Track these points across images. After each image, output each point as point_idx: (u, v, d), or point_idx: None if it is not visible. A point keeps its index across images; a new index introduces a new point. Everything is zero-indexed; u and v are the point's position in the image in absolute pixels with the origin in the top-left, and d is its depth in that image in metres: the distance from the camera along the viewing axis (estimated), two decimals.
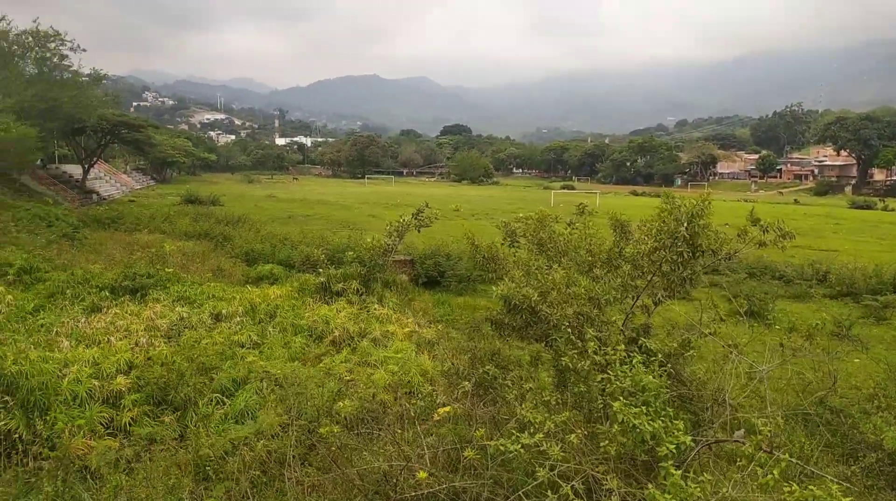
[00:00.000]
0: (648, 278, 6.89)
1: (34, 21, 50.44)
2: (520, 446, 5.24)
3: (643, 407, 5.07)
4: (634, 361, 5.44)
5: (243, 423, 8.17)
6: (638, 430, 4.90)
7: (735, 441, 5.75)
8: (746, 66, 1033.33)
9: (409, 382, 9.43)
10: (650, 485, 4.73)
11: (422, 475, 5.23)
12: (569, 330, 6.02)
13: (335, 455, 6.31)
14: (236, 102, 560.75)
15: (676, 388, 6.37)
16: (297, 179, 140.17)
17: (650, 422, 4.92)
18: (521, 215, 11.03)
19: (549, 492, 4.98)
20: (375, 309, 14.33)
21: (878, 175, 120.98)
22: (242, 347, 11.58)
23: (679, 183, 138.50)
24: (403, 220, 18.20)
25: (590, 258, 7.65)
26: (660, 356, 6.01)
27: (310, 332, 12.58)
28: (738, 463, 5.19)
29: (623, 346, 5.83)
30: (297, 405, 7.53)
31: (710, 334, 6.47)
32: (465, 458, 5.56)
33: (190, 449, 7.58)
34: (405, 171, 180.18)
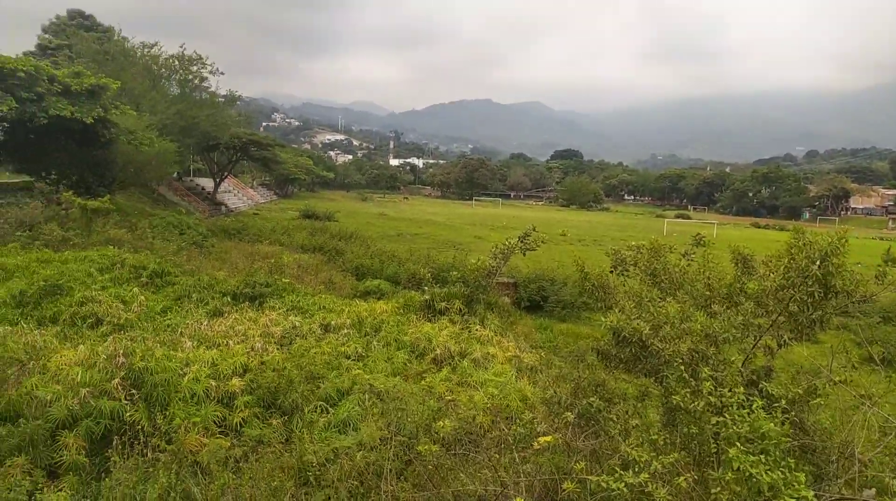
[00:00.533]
0: (773, 317, 6.40)
1: (181, 47, 55.52)
2: (623, 484, 5.01)
3: (761, 456, 4.70)
4: (755, 406, 5.07)
5: (345, 433, 8.37)
6: (755, 479, 4.55)
7: (864, 500, 5.20)
8: (885, 94, 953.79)
9: (508, 406, 9.32)
10: None
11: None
12: (682, 367, 5.70)
13: (431, 473, 6.30)
14: (356, 123, 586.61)
15: (798, 437, 5.86)
16: (407, 198, 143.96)
17: (768, 472, 4.55)
18: (632, 243, 10.66)
19: None
20: (477, 330, 14.33)
21: None
22: (348, 358, 11.92)
23: (807, 217, 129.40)
24: (509, 242, 18.14)
25: (707, 293, 7.23)
26: (783, 402, 5.56)
27: (412, 348, 12.76)
28: None
29: (742, 388, 5.45)
30: (397, 420, 7.62)
31: (840, 381, 5.91)
32: (564, 490, 5.37)
33: (294, 454, 7.86)
34: (513, 194, 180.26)
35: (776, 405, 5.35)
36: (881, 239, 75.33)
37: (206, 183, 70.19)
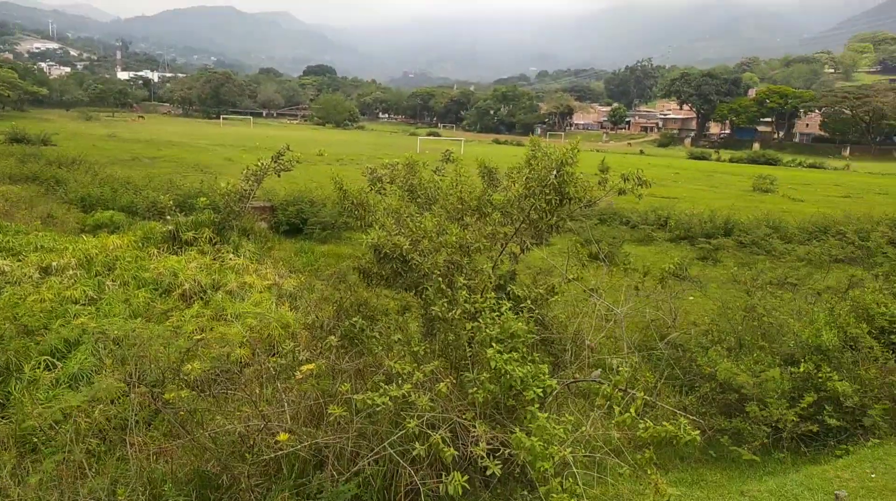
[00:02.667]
0: (517, 225, 6.86)
1: None
2: (387, 398, 5.06)
3: (512, 354, 5.06)
4: (503, 308, 5.39)
5: (77, 389, 7.31)
6: (508, 376, 4.89)
7: (592, 379, 5.95)
8: (606, 19, 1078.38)
9: (269, 337, 8.93)
10: (516, 429, 4.76)
11: (282, 437, 4.89)
12: (439, 279, 5.86)
13: (183, 419, 5.79)
14: (72, 29, 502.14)
15: (541, 333, 6.47)
16: (143, 117, 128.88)
17: (520, 368, 4.91)
18: (386, 160, 10.62)
19: (416, 443, 4.88)
20: (231, 259, 13.37)
21: (714, 128, 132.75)
22: (76, 303, 10.35)
23: (539, 132, 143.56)
24: (262, 163, 17.05)
25: (460, 206, 7.48)
26: (527, 302, 6.03)
27: (155, 285, 11.48)
28: (596, 403, 5.38)
29: (492, 293, 5.78)
30: (138, 368, 6.83)
31: (572, 279, 6.60)
32: (329, 414, 5.29)
33: (13, 421, 6.67)
34: (265, 112, 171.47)
35: (522, 305, 5.78)
36: (598, 151, 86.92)
37: None
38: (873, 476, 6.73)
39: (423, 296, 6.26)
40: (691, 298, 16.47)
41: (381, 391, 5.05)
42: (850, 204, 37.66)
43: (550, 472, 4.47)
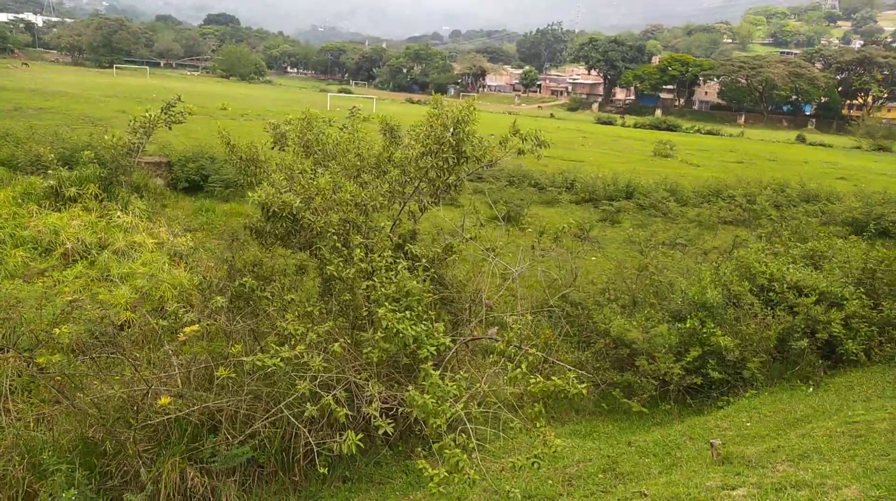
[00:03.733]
0: (416, 183, 6.78)
1: None
2: (279, 359, 4.94)
3: (407, 312, 5.04)
4: (399, 267, 5.34)
5: None
6: (402, 335, 4.87)
7: (489, 337, 6.07)
8: None
9: (161, 298, 8.50)
10: (410, 387, 4.77)
11: (163, 400, 4.68)
12: (335, 237, 5.71)
13: (60, 384, 5.43)
14: None
15: (439, 291, 6.48)
16: (27, 65, 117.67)
17: (413, 327, 4.90)
18: (290, 116, 10.19)
19: (308, 404, 4.80)
20: (119, 217, 12.54)
21: (620, 94, 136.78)
22: None
23: (452, 93, 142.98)
24: (150, 114, 15.93)
25: (358, 163, 7.30)
26: (424, 261, 6.00)
27: (34, 244, 10.64)
28: (491, 359, 5.48)
29: (390, 252, 5.71)
30: (11, 331, 6.32)
31: (471, 238, 6.63)
32: (219, 377, 5.11)
33: None
34: (163, 62, 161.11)
35: (419, 264, 5.75)
36: (510, 113, 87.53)
37: None
38: (748, 424, 7.27)
39: (318, 256, 6.11)
40: (594, 258, 17.08)
41: (273, 352, 4.92)
42: (742, 169, 40.03)
43: (443, 428, 4.52)
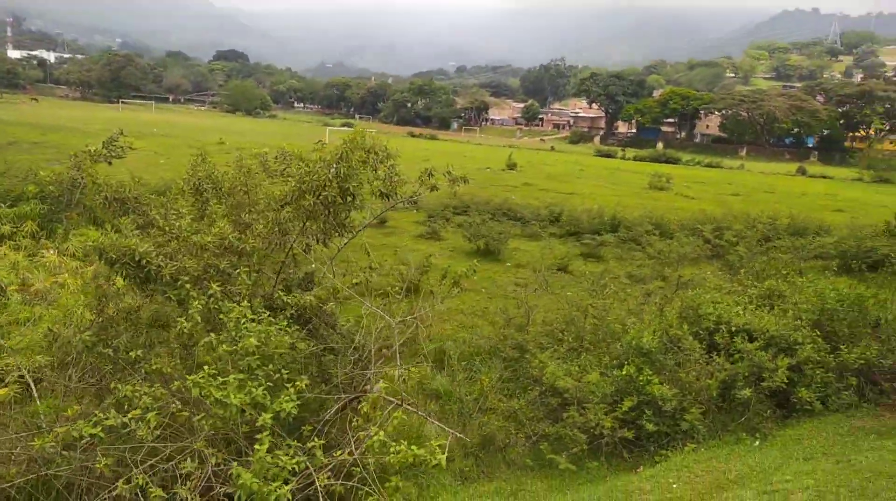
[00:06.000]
0: (300, 224, 6.21)
1: None
2: (99, 429, 4.34)
3: (245, 375, 4.43)
4: (239, 319, 4.76)
5: None
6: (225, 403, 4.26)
7: (372, 393, 5.46)
8: (522, 18, 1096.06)
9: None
10: (234, 462, 4.16)
11: None
12: (187, 286, 5.16)
13: None
14: None
15: (325, 341, 5.89)
16: (36, 100, 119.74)
17: (237, 393, 4.28)
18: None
19: (120, 482, 4.19)
20: (43, 256, 11.93)
21: (622, 128, 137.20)
22: None
23: (455, 127, 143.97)
24: (90, 149, 15.46)
25: (246, 201, 6.76)
26: (289, 309, 5.42)
27: None
28: (355, 423, 4.85)
29: (253, 302, 5.12)
30: None
31: (357, 283, 6.05)
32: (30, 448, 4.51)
33: None
34: (171, 97, 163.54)
35: (282, 314, 5.17)
36: (510, 147, 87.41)
37: None
38: (675, 486, 6.55)
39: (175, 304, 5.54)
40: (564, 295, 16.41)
41: (96, 419, 4.32)
42: (738, 202, 39.45)
43: None
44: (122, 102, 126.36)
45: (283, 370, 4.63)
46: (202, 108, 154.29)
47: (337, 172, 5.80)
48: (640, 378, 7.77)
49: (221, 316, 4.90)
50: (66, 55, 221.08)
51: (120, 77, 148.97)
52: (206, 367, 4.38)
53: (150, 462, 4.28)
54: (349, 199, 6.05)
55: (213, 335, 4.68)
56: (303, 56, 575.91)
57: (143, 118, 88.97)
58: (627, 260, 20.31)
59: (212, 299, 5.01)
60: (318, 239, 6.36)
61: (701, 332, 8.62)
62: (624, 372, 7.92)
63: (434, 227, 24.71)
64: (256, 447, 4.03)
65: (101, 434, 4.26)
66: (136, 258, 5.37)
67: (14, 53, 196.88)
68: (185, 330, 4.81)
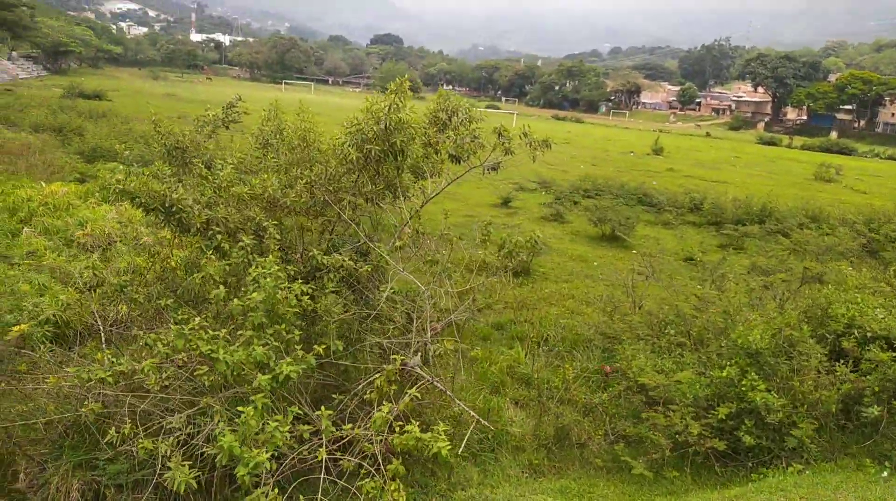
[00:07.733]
0: (354, 177, 5.82)
1: None
2: (109, 373, 4.26)
3: (251, 333, 4.12)
4: (255, 274, 4.45)
5: None
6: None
7: (411, 366, 4.97)
8: None
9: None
10: (220, 422, 3.86)
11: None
12: (218, 236, 4.97)
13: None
14: None
15: (373, 308, 5.50)
16: (210, 79, 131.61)
17: (233, 352, 3.98)
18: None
19: (112, 430, 4.06)
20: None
21: (791, 114, 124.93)
22: None
23: (603, 110, 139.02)
24: (211, 114, 16.36)
25: (302, 153, 6.47)
26: (332, 273, 5.07)
27: (62, 235, 10.87)
28: (367, 396, 4.38)
29: (272, 257, 4.82)
30: None
31: (401, 246, 5.54)
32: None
33: None
34: (330, 79, 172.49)
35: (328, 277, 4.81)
36: (661, 131, 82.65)
37: None
38: None
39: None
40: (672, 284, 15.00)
41: (108, 364, 4.25)
42: None
43: (247, 481, 3.55)
44: (285, 83, 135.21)
45: (294, 330, 4.30)
46: (357, 89, 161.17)
47: (386, 125, 5.34)
48: (744, 383, 6.66)
49: (228, 266, 4.69)
50: (239, 38, 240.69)
51: (285, 59, 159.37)
52: (198, 319, 4.15)
53: (150, 413, 4.16)
54: (399, 157, 5.58)
55: (221, 288, 4.45)
56: (455, 38, 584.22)
57: (302, 97, 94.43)
58: (761, 253, 18.23)
59: (243, 252, 4.79)
60: (368, 198, 5.97)
61: (828, 335, 7.26)
62: (724, 374, 6.83)
63: (559, 209, 23.65)
64: (241, 409, 3.72)
65: (110, 379, 4.18)
66: (168, 205, 5.30)
67: (196, 37, 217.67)
68: (197, 282, 4.63)
